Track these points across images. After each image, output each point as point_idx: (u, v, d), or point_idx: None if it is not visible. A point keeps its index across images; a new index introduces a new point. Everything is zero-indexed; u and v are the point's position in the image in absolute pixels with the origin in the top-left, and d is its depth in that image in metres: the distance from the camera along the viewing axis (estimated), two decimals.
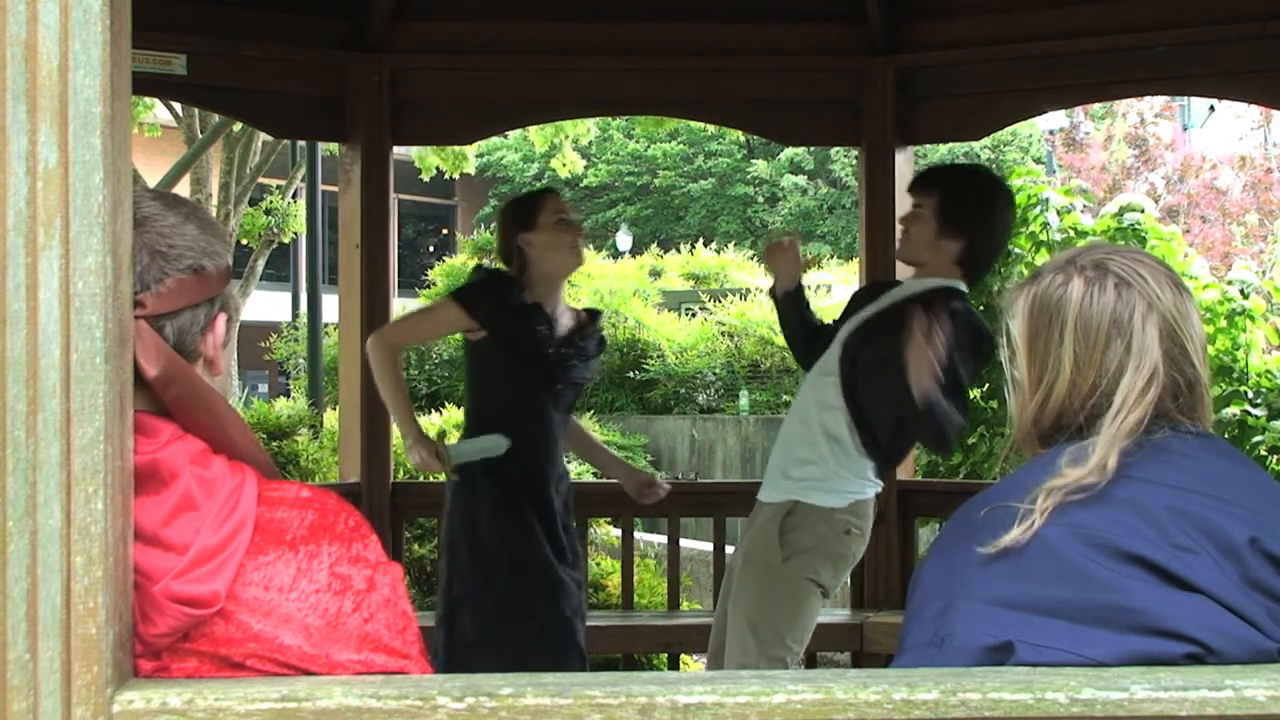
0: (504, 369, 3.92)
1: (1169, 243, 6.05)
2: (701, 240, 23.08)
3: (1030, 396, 1.69)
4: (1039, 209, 5.96)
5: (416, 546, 6.23)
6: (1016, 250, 5.95)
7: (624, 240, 25.43)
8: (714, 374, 14.36)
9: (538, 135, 11.53)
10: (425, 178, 11.81)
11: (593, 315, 4.13)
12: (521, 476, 3.87)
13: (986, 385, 5.73)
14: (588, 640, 5.07)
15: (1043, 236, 5.92)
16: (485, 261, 4.28)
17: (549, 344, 3.88)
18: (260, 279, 12.93)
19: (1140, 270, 1.66)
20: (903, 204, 5.05)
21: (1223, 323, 5.75)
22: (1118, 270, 1.66)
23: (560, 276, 3.97)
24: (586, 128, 11.96)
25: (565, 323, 3.99)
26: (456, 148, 11.08)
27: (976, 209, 3.58)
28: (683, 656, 5.60)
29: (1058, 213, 6.00)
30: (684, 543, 5.58)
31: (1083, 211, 6.28)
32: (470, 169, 11.81)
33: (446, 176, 11.84)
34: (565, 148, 11.88)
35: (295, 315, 16.68)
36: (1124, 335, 1.63)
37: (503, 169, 26.30)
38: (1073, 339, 1.64)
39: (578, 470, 11.28)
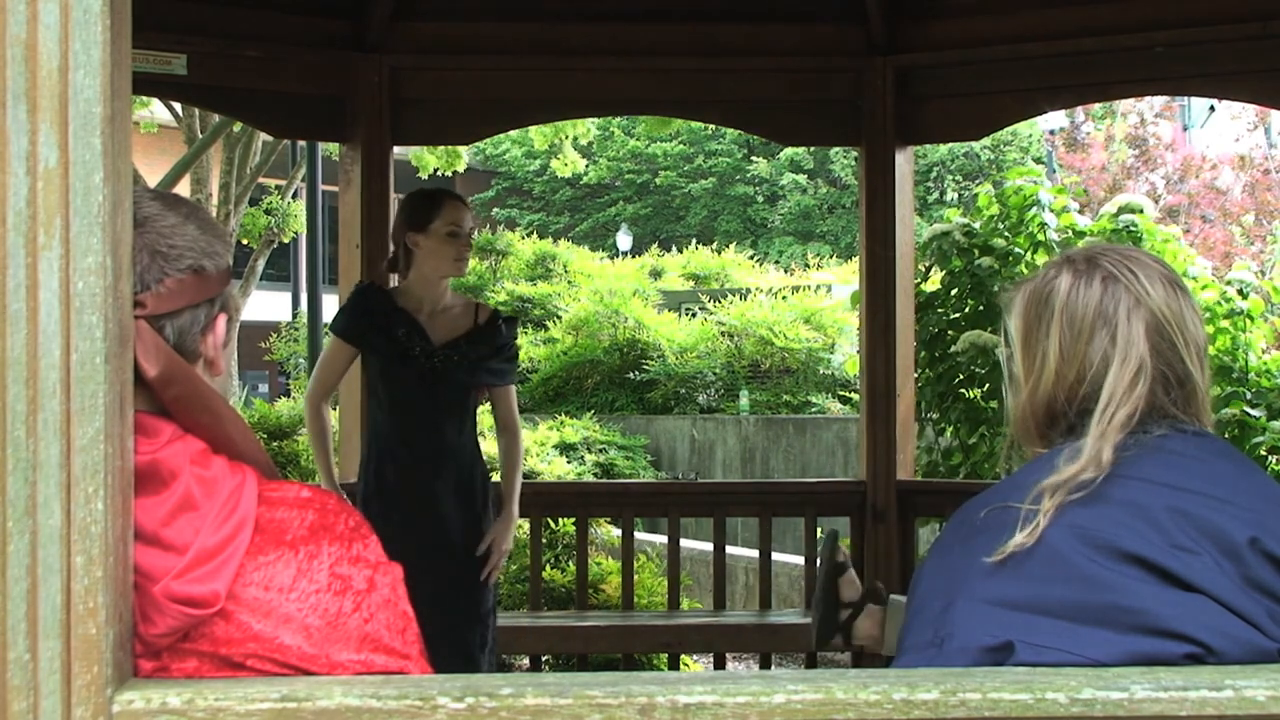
0: (380, 374, 4.05)
1: (1166, 244, 6.05)
2: (701, 240, 23.09)
3: (1025, 391, 1.70)
4: (1035, 209, 5.96)
5: None
6: (1015, 250, 5.95)
7: (624, 240, 25.44)
8: (714, 374, 14.36)
9: (537, 134, 11.55)
10: (423, 175, 11.83)
11: (507, 321, 4.17)
12: (400, 478, 4.00)
13: (986, 385, 5.74)
14: (587, 640, 5.09)
15: (1040, 237, 5.93)
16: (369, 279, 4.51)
17: (417, 348, 3.97)
18: (260, 279, 12.94)
19: (1131, 266, 1.67)
20: (903, 204, 5.08)
21: (1222, 323, 5.75)
22: (1107, 265, 1.68)
23: (438, 281, 4.05)
24: (587, 127, 11.98)
25: (458, 325, 4.07)
26: (449, 146, 11.12)
27: None
28: (683, 657, 5.59)
29: (1054, 213, 6.00)
30: (684, 543, 5.58)
31: (1080, 212, 6.27)
32: (462, 166, 11.83)
33: (442, 174, 11.86)
34: (566, 147, 11.89)
35: (295, 315, 16.70)
36: (1109, 327, 1.64)
37: (504, 164, 26.29)
38: (1058, 330, 1.66)
39: (577, 470, 11.30)
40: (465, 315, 4.10)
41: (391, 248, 4.20)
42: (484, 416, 5.54)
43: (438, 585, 3.91)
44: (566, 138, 11.60)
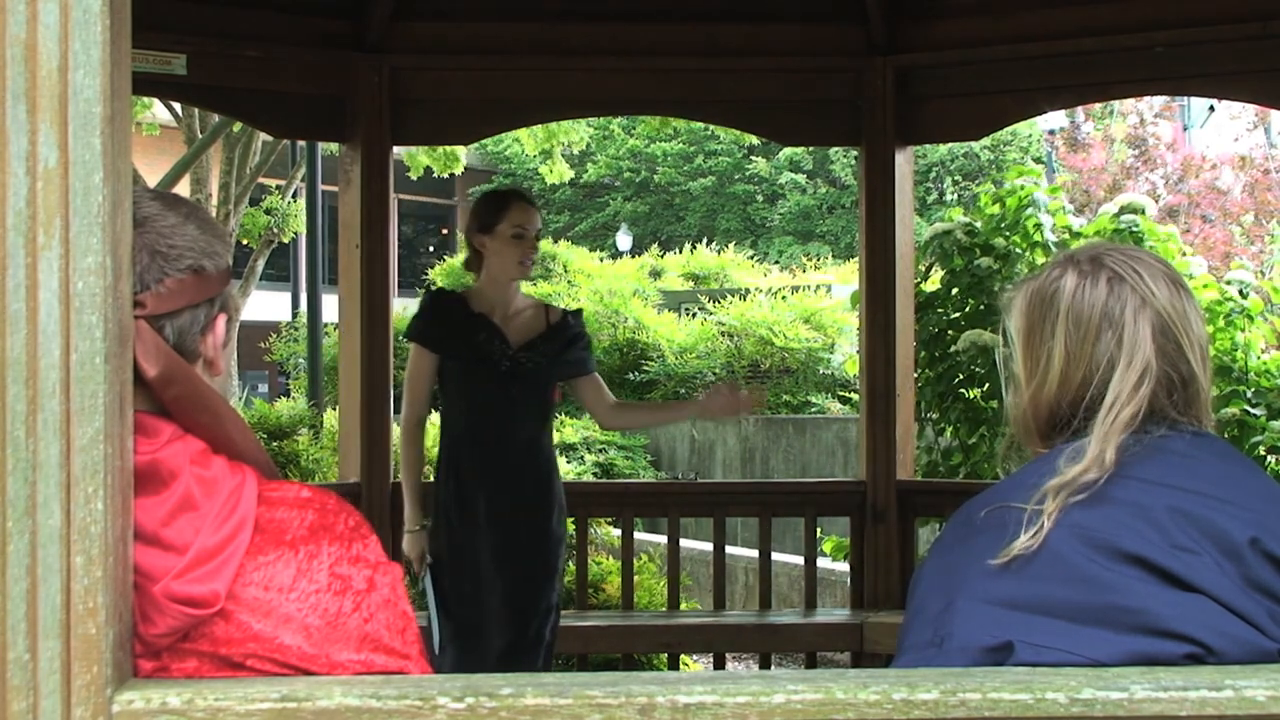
0: (458, 378, 4.07)
1: (1165, 243, 6.04)
2: (701, 239, 23.08)
3: (1026, 391, 1.69)
4: (1030, 210, 5.96)
5: None
6: (1015, 250, 5.95)
7: (624, 240, 25.44)
8: (714, 374, 14.35)
9: (529, 140, 11.53)
10: (413, 176, 11.81)
11: (573, 314, 4.20)
12: (479, 480, 4.02)
13: (986, 385, 5.73)
14: (587, 640, 5.09)
15: (1037, 237, 5.93)
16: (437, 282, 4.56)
17: (496, 353, 3.99)
18: (260, 279, 12.92)
19: (1136, 266, 1.67)
20: (903, 204, 5.08)
21: (1221, 323, 5.75)
22: (1113, 265, 1.66)
23: (506, 283, 4.07)
24: (580, 135, 11.97)
25: (532, 327, 4.09)
26: (447, 148, 11.11)
27: None
28: (683, 657, 5.59)
29: (1049, 213, 6.00)
30: (684, 543, 5.58)
31: (1080, 212, 6.27)
32: (459, 169, 11.81)
33: (441, 176, 11.83)
34: (556, 154, 11.88)
35: (295, 315, 16.68)
36: (1115, 329, 1.63)
37: (505, 160, 26.25)
38: (1064, 331, 1.65)
39: (577, 471, 11.31)
40: (538, 318, 4.13)
41: (467, 249, 4.24)
42: None
43: (510, 584, 3.98)
44: (559, 144, 11.58)
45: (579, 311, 4.30)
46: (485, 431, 4.02)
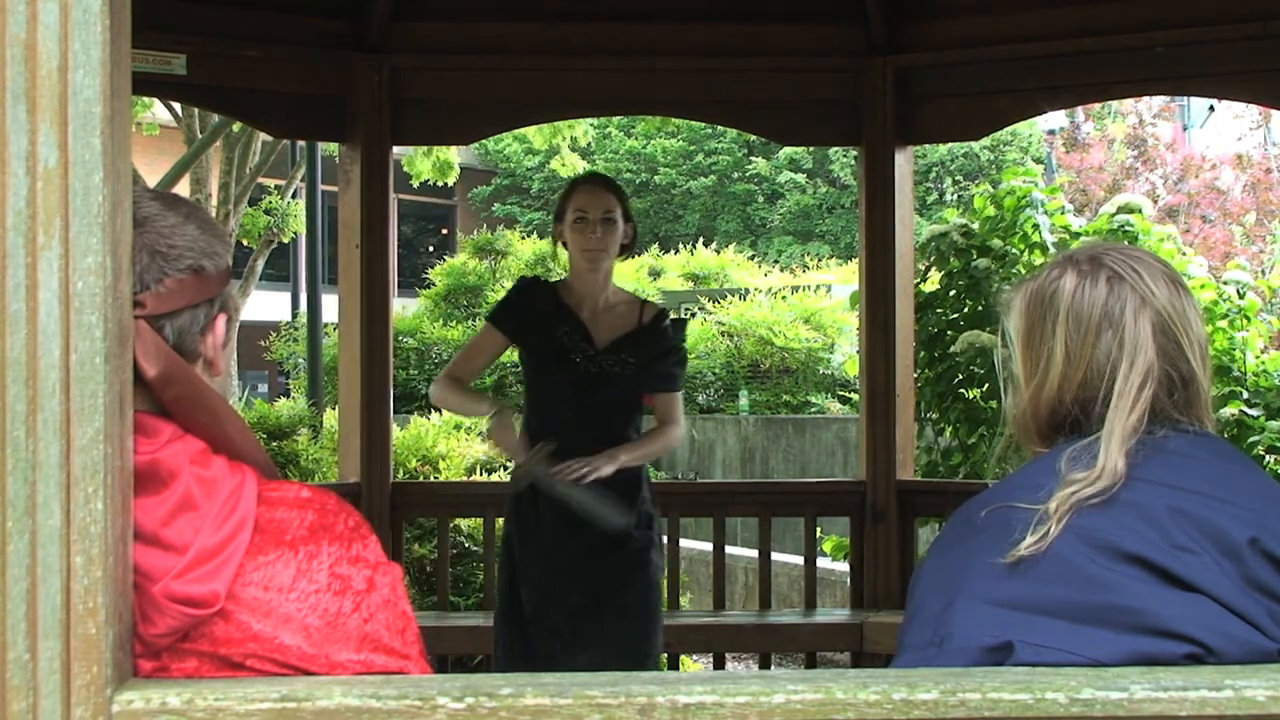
0: (536, 373, 3.87)
1: (1162, 243, 6.05)
2: (701, 239, 23.08)
3: (1026, 392, 1.69)
4: (1028, 210, 5.96)
5: (416, 546, 6.23)
6: (1012, 251, 5.95)
7: None
8: (714, 374, 14.36)
9: (536, 136, 11.53)
10: (414, 184, 11.82)
11: (675, 323, 3.93)
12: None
13: (986, 385, 5.73)
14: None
15: (1035, 238, 5.93)
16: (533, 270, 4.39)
17: (576, 351, 3.76)
18: (260, 279, 12.92)
19: (1136, 266, 1.66)
20: (902, 204, 5.08)
21: (1220, 323, 5.75)
22: (1112, 265, 1.66)
23: (590, 275, 3.81)
24: (585, 128, 11.98)
25: (621, 324, 3.84)
26: (443, 155, 11.12)
27: None
28: (682, 657, 5.59)
29: (1047, 213, 6.00)
30: (684, 543, 5.58)
31: (1079, 212, 6.27)
32: (452, 178, 11.80)
33: (435, 183, 11.85)
34: (564, 149, 11.89)
35: (295, 315, 16.68)
36: (1116, 328, 1.63)
37: (504, 160, 26.25)
38: (1064, 331, 1.65)
39: None
40: (630, 314, 3.85)
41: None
42: None
43: (585, 594, 3.76)
44: (564, 140, 11.59)
45: (682, 323, 4.02)
46: (567, 432, 3.73)
